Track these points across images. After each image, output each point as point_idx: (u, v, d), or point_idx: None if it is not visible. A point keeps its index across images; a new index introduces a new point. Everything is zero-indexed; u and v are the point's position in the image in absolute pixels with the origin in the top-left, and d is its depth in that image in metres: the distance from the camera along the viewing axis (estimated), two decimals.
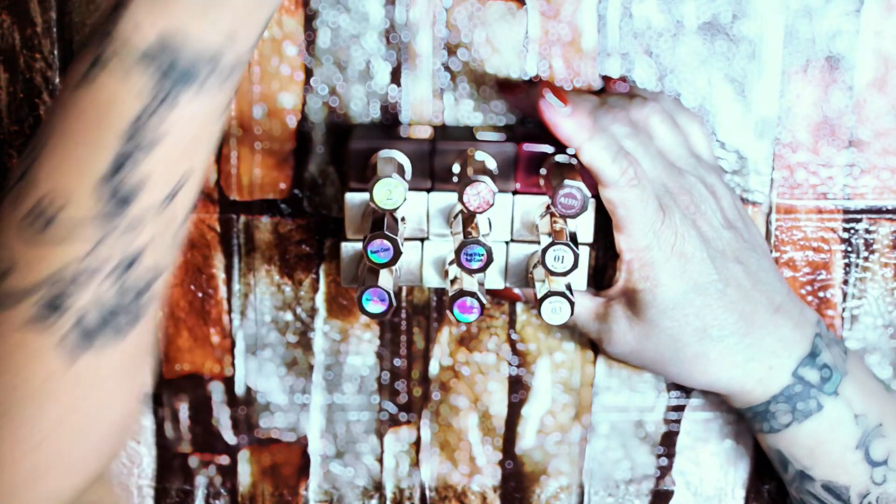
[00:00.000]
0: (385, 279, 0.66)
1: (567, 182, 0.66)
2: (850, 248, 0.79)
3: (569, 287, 0.68)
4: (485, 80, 0.76)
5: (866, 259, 0.79)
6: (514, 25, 0.75)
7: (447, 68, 0.76)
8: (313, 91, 0.76)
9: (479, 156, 0.70)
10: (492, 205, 0.66)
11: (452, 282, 0.68)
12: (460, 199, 0.65)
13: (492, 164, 0.70)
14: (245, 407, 0.81)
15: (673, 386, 0.81)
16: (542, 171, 0.70)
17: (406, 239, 0.70)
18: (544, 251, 0.66)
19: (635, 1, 0.75)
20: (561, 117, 0.68)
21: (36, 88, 0.75)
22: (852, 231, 0.79)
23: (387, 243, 0.65)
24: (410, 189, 0.70)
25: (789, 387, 0.73)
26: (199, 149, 0.61)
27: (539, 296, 0.67)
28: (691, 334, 0.72)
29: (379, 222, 0.66)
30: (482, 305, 0.66)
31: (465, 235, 0.66)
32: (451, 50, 0.75)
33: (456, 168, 0.70)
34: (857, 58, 0.76)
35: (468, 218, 0.67)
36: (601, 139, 0.69)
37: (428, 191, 0.71)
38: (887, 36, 0.76)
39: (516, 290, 0.76)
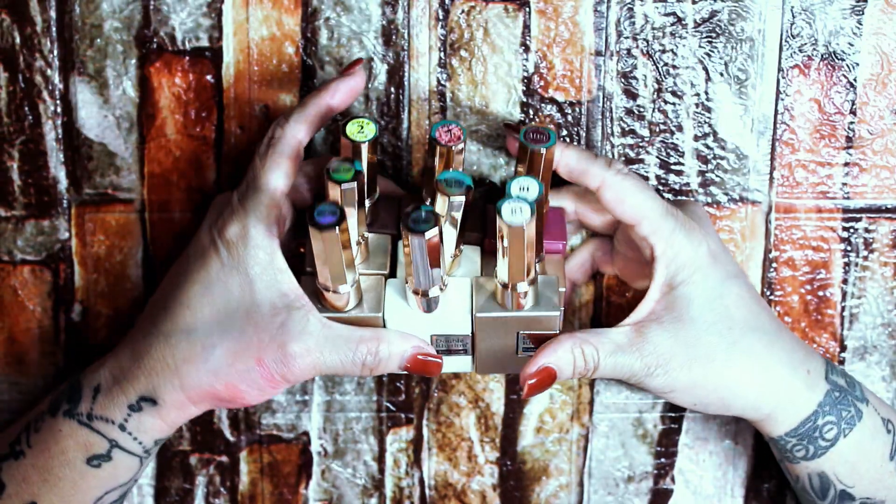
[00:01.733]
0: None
1: (531, 125, 0.68)
2: (849, 248, 0.79)
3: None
4: (484, 80, 0.76)
5: (866, 258, 0.79)
6: (514, 25, 0.75)
7: (447, 68, 0.76)
8: None
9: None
10: (462, 140, 0.67)
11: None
12: (432, 141, 0.67)
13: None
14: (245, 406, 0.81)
15: None
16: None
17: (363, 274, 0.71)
18: (509, 185, 0.65)
19: (635, 0, 0.75)
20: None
21: (36, 88, 0.75)
22: (852, 230, 0.79)
23: (348, 164, 0.65)
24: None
25: (829, 392, 0.72)
26: (50, 483, 0.70)
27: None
28: (739, 327, 0.70)
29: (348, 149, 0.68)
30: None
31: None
32: (451, 49, 0.75)
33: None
34: (857, 57, 0.76)
35: (445, 155, 0.68)
36: (577, 150, 0.71)
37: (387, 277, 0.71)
38: (887, 35, 0.76)
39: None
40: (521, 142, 0.68)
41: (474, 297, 0.69)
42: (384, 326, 0.69)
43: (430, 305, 0.68)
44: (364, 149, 0.68)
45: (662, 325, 0.70)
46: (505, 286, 0.68)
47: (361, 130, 0.68)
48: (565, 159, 0.70)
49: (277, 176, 0.67)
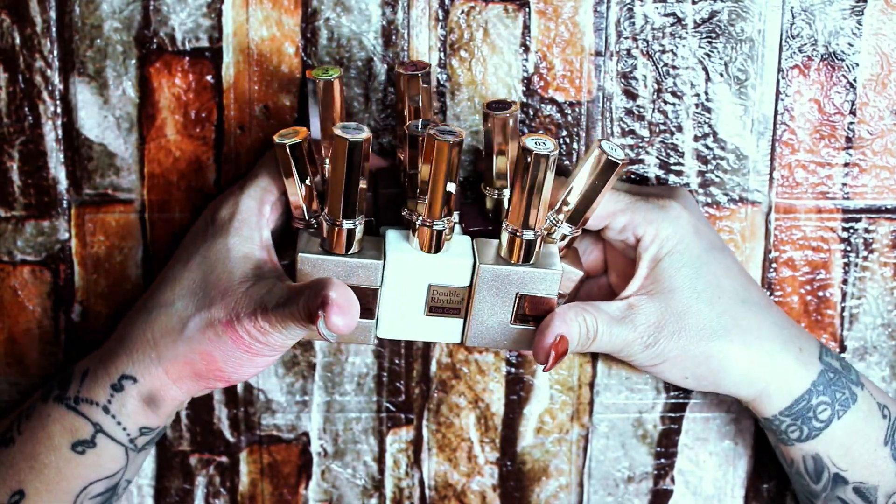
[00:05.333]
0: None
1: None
2: (849, 248, 0.79)
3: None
4: (484, 80, 0.76)
5: (865, 258, 0.79)
6: (514, 25, 0.75)
7: (447, 68, 0.76)
8: None
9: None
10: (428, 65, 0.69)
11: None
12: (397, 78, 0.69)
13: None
14: (245, 406, 0.81)
15: (672, 385, 0.81)
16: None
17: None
18: (525, 146, 0.65)
19: (635, 1, 0.75)
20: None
21: (36, 88, 0.75)
22: (851, 230, 0.79)
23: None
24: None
25: (823, 372, 0.72)
26: (36, 470, 0.71)
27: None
28: (728, 296, 0.71)
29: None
30: None
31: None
32: (451, 49, 0.75)
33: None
34: (857, 57, 0.76)
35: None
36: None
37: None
38: (887, 35, 0.76)
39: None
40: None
41: (476, 252, 0.70)
42: (383, 274, 0.69)
43: (436, 242, 0.68)
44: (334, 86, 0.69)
45: (652, 297, 0.71)
46: (513, 234, 0.68)
47: (326, 73, 0.69)
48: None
49: (276, 170, 0.69)
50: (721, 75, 0.76)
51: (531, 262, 0.69)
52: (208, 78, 0.75)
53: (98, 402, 0.70)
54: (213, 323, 0.67)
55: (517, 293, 0.69)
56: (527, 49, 0.75)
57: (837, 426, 0.73)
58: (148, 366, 0.69)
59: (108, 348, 0.71)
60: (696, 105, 0.77)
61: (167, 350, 0.68)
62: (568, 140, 0.77)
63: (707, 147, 0.77)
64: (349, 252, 0.68)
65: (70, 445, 0.71)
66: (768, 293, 0.79)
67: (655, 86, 0.76)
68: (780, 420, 0.73)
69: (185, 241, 0.72)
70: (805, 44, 0.76)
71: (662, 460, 0.83)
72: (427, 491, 0.83)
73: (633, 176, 0.77)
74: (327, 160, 0.70)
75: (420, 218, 0.67)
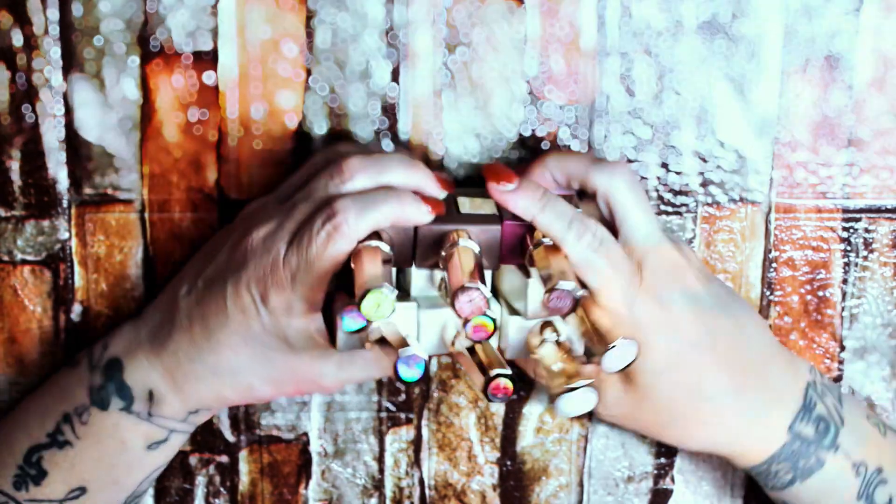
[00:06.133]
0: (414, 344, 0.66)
1: (559, 286, 0.65)
2: (849, 248, 0.79)
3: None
4: (484, 80, 0.76)
5: (865, 258, 0.79)
6: (514, 25, 0.75)
7: (447, 67, 0.76)
8: (313, 91, 0.76)
9: (463, 244, 0.68)
10: (484, 312, 0.64)
11: (479, 364, 0.68)
12: (452, 306, 0.64)
13: (477, 249, 0.69)
14: (245, 406, 0.81)
15: None
16: (528, 248, 0.69)
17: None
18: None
19: (635, 0, 0.75)
20: (510, 195, 0.68)
21: (36, 88, 0.75)
22: (851, 230, 0.79)
23: (362, 321, 0.66)
24: (394, 264, 0.69)
25: (787, 444, 0.72)
26: (102, 469, 0.72)
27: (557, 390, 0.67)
28: (687, 396, 0.71)
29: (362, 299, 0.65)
30: (515, 387, 0.66)
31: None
32: (451, 49, 0.75)
33: (442, 253, 0.69)
34: (857, 57, 0.76)
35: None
36: (553, 208, 0.68)
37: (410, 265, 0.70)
38: (887, 35, 0.76)
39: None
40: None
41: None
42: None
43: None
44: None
45: (617, 380, 0.71)
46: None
47: (378, 309, 0.64)
48: (538, 221, 0.69)
49: (332, 264, 0.67)
50: (721, 75, 0.76)
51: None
52: (208, 77, 0.75)
53: (175, 418, 0.73)
54: (282, 385, 0.71)
55: None
56: (527, 49, 0.75)
57: (800, 487, 0.73)
58: (222, 403, 0.73)
59: (172, 376, 0.71)
60: (697, 105, 0.77)
61: (239, 401, 0.72)
62: (568, 146, 0.77)
63: (707, 147, 0.77)
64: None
65: (146, 447, 0.73)
66: (768, 292, 0.79)
67: (655, 85, 0.76)
68: (747, 471, 0.75)
69: (221, 287, 0.70)
70: (805, 44, 0.76)
71: (662, 460, 0.83)
72: (427, 490, 0.83)
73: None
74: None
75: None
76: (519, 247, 0.70)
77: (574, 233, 0.68)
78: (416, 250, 0.69)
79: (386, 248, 0.67)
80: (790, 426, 0.72)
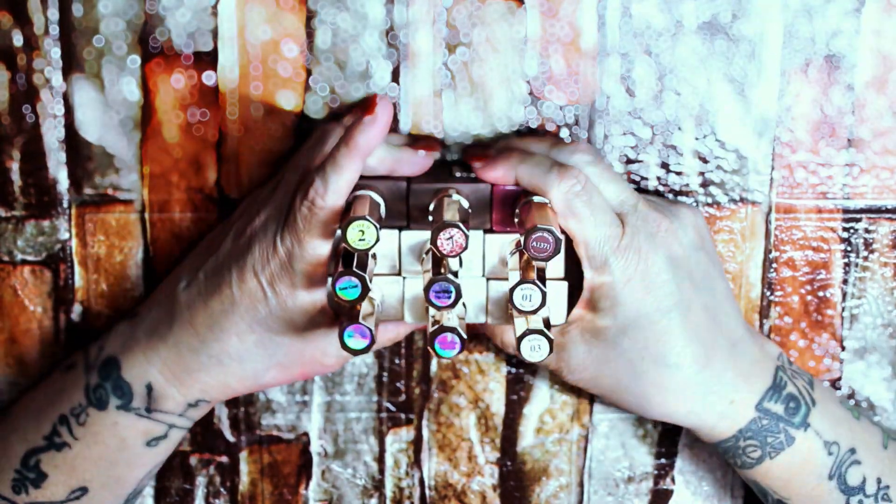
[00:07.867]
0: (368, 315, 0.67)
1: (539, 225, 0.66)
2: (849, 248, 0.79)
3: (546, 323, 0.67)
4: (484, 80, 0.76)
5: (866, 259, 0.79)
6: (514, 25, 0.75)
7: (447, 68, 0.76)
8: (313, 91, 0.76)
9: (454, 197, 0.70)
10: (465, 248, 0.66)
11: (433, 319, 0.68)
12: (433, 243, 0.66)
13: (465, 205, 0.71)
14: (245, 406, 0.81)
15: None
16: (517, 210, 0.71)
17: (376, 275, 0.71)
18: (512, 290, 0.66)
19: (635, 0, 0.75)
20: (488, 165, 0.71)
21: (36, 88, 0.75)
22: (852, 231, 0.79)
23: (355, 280, 0.65)
24: (386, 227, 0.71)
25: (755, 420, 0.72)
26: (103, 468, 0.73)
27: (517, 334, 0.67)
28: (650, 360, 0.70)
29: (349, 258, 0.66)
30: (462, 340, 0.66)
31: (434, 273, 0.66)
32: (451, 49, 0.75)
33: (431, 207, 0.71)
34: (857, 57, 0.76)
35: (438, 257, 0.67)
36: (531, 160, 0.70)
37: (402, 229, 0.71)
38: (887, 35, 0.76)
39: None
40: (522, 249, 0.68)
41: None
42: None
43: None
44: (368, 256, 0.68)
45: (581, 337, 0.71)
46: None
47: (363, 237, 0.66)
48: (519, 174, 0.70)
49: (321, 244, 0.69)
50: (721, 75, 0.76)
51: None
52: (208, 78, 0.75)
53: (173, 412, 0.73)
54: (287, 370, 0.73)
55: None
56: (527, 49, 0.75)
57: (770, 464, 0.73)
58: (222, 396, 0.73)
59: (170, 369, 0.72)
60: (697, 105, 0.77)
61: (243, 390, 0.73)
62: (569, 140, 0.77)
63: (707, 147, 0.77)
64: None
65: (145, 443, 0.73)
66: (768, 292, 0.79)
67: (655, 85, 0.76)
68: (716, 446, 0.75)
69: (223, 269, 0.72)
70: (805, 44, 0.76)
71: (662, 460, 0.83)
72: (427, 491, 0.83)
73: (632, 176, 0.77)
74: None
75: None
76: (511, 214, 0.71)
77: (555, 176, 0.69)
78: (409, 208, 0.71)
79: (376, 196, 0.70)
80: (757, 404, 0.72)
